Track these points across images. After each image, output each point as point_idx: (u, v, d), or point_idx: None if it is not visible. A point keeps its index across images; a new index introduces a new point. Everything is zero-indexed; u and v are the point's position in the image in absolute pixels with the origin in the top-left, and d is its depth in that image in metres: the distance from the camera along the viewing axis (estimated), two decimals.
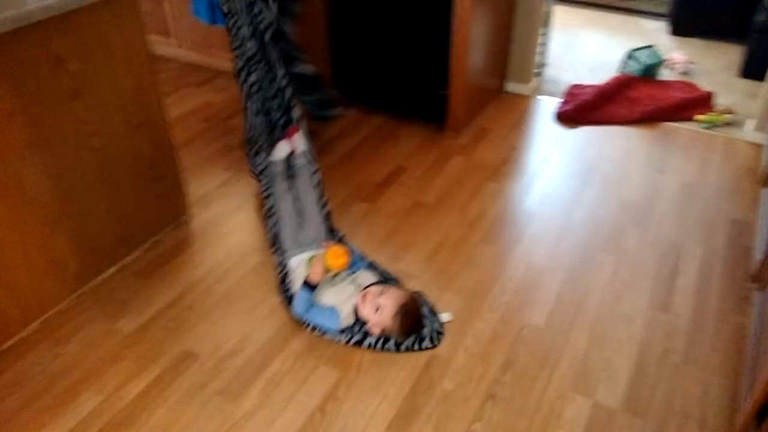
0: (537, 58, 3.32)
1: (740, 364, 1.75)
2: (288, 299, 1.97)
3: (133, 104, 1.99)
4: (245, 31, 2.15)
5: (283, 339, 1.86)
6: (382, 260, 2.16)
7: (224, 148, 2.80)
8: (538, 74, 3.45)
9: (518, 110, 3.19)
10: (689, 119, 3.05)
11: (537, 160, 2.77)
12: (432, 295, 2.01)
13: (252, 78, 2.20)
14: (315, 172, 2.22)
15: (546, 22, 3.29)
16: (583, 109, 3.09)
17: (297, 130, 2.24)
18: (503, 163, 2.74)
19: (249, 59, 2.18)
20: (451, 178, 2.64)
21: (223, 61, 3.28)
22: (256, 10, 2.13)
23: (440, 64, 2.77)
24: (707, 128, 2.98)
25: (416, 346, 1.83)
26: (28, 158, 1.72)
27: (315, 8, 2.91)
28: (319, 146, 2.81)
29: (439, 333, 1.87)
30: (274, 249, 2.16)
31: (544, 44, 3.38)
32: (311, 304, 1.88)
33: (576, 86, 3.32)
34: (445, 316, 1.93)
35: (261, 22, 2.14)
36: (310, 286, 1.87)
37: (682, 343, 1.85)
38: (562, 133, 2.98)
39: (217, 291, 2.04)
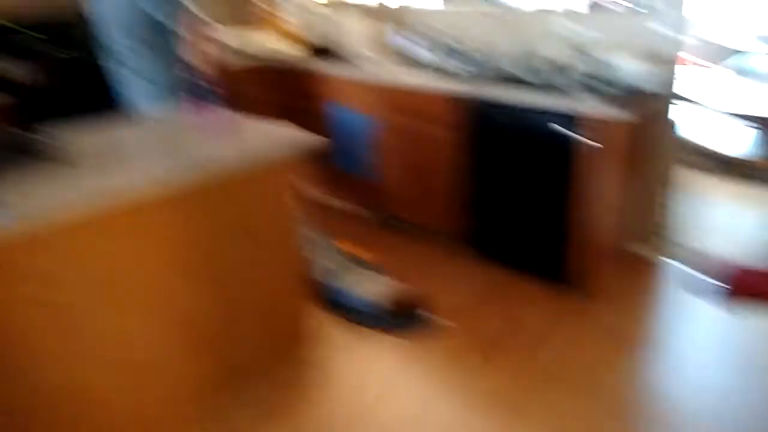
0: (669, 222, 3.18)
1: None
2: None
3: (284, 251, 2.30)
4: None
5: None
6: (489, 423, 2.10)
7: None
8: (672, 241, 3.27)
9: (647, 276, 3.04)
10: None
11: (677, 336, 2.57)
12: None
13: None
14: None
15: (678, 187, 3.18)
16: (749, 290, 2.78)
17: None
18: (632, 335, 2.58)
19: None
20: (571, 342, 2.52)
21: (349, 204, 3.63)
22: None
23: (563, 222, 2.76)
24: None
25: None
26: (203, 291, 2.02)
27: (453, 173, 3.11)
28: (434, 298, 2.81)
29: None
30: None
31: (678, 209, 3.24)
32: None
33: (743, 267, 3.02)
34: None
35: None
36: None
37: None
38: (710, 311, 2.69)
39: None
